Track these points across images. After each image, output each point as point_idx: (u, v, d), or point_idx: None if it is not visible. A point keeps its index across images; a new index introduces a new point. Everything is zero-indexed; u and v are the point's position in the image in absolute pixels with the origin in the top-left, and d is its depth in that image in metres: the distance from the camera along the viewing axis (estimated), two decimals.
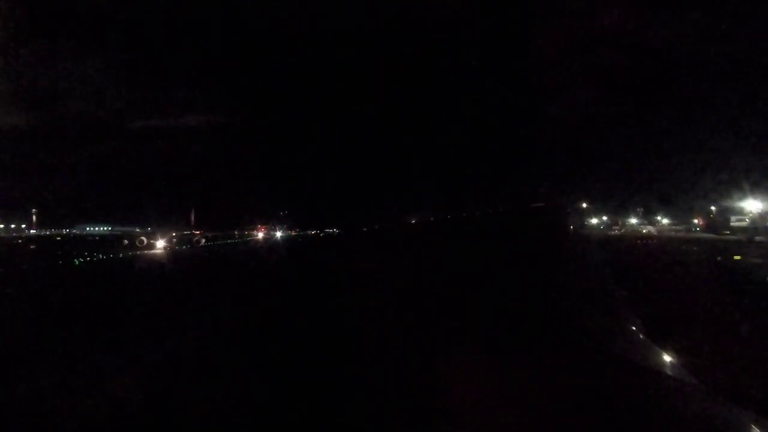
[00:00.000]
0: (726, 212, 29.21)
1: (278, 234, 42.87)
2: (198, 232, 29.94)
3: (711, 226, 29.04)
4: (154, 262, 18.30)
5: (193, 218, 27.99)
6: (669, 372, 4.69)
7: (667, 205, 37.26)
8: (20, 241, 27.59)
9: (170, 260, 19.50)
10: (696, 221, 35.50)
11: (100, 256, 18.31)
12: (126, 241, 25.61)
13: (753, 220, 27.49)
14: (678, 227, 34.50)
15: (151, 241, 25.21)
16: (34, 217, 35.49)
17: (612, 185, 34.97)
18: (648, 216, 39.15)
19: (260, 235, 43.17)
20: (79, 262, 16.21)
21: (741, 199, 27.59)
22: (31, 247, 24.36)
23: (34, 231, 35.62)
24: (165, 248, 24.41)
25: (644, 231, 35.00)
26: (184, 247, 25.92)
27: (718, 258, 17.16)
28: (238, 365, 4.86)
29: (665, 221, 38.85)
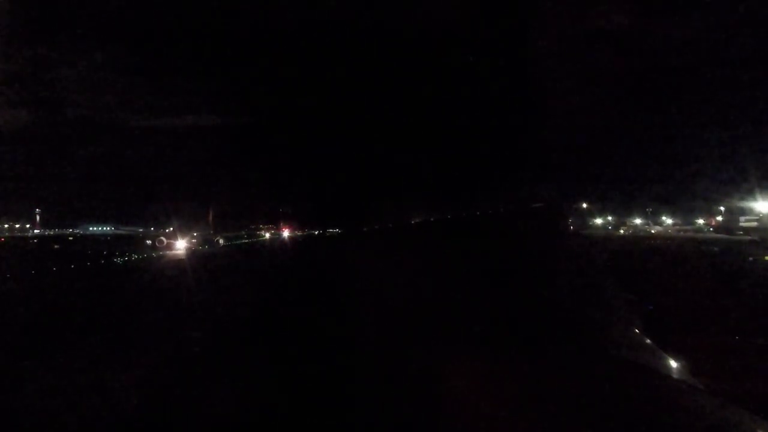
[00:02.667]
0: (735, 213, 30.00)
1: (285, 234, 42.65)
2: (209, 233, 29.57)
3: (723, 226, 29.72)
4: (188, 263, 18.00)
5: (211, 218, 27.64)
6: (670, 374, 4.76)
7: (671, 205, 38.12)
8: (35, 240, 26.84)
9: (201, 261, 19.21)
10: (701, 221, 36.39)
11: (135, 256, 18.02)
12: (149, 242, 25.13)
13: (763, 221, 28.26)
14: (685, 228, 35.22)
15: (171, 242, 24.76)
16: (37, 217, 34.72)
17: (615, 186, 35.53)
18: (652, 216, 39.97)
19: (267, 235, 42.90)
20: (122, 261, 16.00)
21: (750, 199, 28.35)
22: (55, 246, 23.72)
23: (38, 231, 34.84)
24: (187, 249, 23.98)
25: (652, 231, 35.62)
26: (206, 247, 25.56)
27: (750, 258, 17.52)
28: (242, 364, 4.89)
29: (669, 221, 39.69)
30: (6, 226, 32.04)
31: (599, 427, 3.32)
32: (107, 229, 40.12)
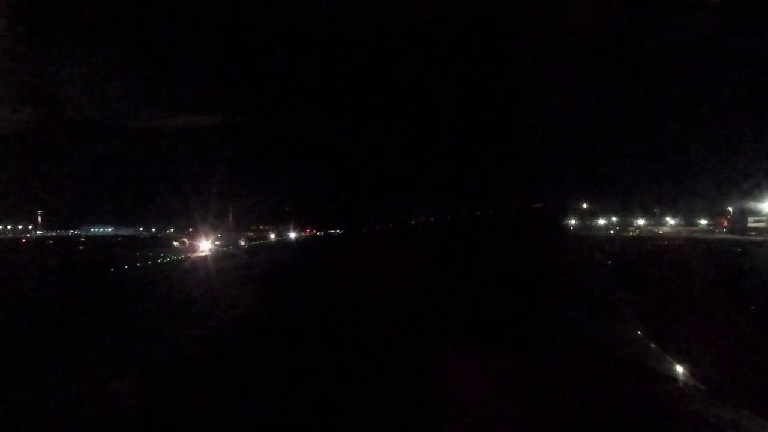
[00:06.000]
0: (743, 213, 30.87)
1: (292, 235, 42.27)
2: (218, 234, 28.92)
3: (733, 227, 30.56)
4: (224, 265, 17.57)
5: (231, 220, 27.03)
6: (671, 375, 4.78)
7: (672, 206, 39.01)
8: (51, 242, 25.77)
9: (232, 262, 18.83)
10: (703, 222, 37.42)
11: (174, 258, 17.62)
12: (176, 243, 24.44)
13: None
14: (691, 228, 36.04)
15: (194, 243, 24.07)
16: (39, 218, 33.50)
17: (616, 186, 36.10)
18: (656, 217, 40.85)
19: (272, 236, 42.40)
20: (165, 261, 15.82)
21: (757, 200, 29.21)
22: (80, 248, 22.86)
23: (40, 232, 33.65)
24: (211, 250, 23.32)
25: (660, 232, 36.33)
26: (229, 248, 24.93)
27: None
28: (244, 363, 4.95)
29: (672, 222, 40.64)
30: (9, 227, 30.79)
31: (601, 428, 3.36)
32: (108, 230, 39.08)
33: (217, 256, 20.87)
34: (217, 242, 24.75)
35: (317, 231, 45.78)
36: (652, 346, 5.55)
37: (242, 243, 27.13)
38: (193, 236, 24.91)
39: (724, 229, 31.57)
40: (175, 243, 24.56)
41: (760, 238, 27.01)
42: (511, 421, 3.42)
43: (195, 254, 22.12)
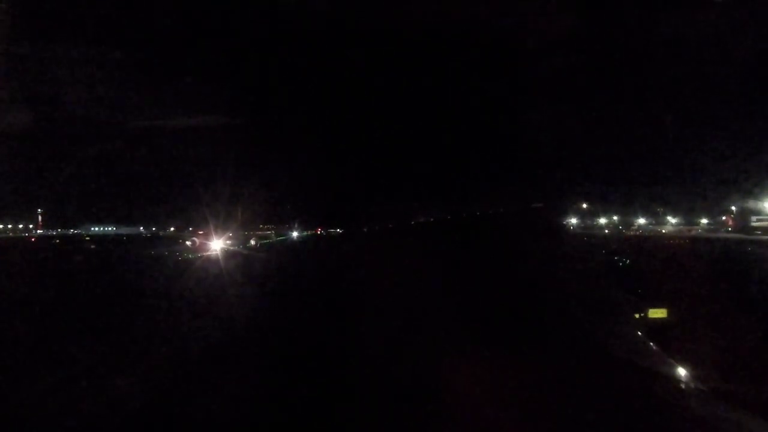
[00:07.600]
0: (746, 212, 31.19)
1: (294, 234, 42.10)
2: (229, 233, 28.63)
3: (739, 226, 30.86)
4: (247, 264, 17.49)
5: (240, 220, 26.71)
6: (674, 376, 4.91)
7: (672, 205, 39.28)
8: (57, 241, 25.31)
9: (253, 262, 18.77)
10: (704, 221, 37.81)
11: (190, 256, 17.63)
12: (188, 243, 24.20)
13: None
14: (692, 227, 36.32)
15: (204, 242, 23.82)
16: (39, 218, 32.91)
17: (615, 186, 36.07)
18: (658, 217, 41.11)
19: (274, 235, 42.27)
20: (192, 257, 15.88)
21: (758, 198, 29.46)
22: (92, 246, 22.55)
23: (41, 231, 33.08)
24: (222, 250, 23.10)
25: (663, 231, 36.61)
26: (240, 247, 24.74)
27: None
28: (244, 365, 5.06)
29: (673, 221, 40.96)
30: (9, 226, 30.22)
31: (601, 428, 3.39)
32: (110, 229, 38.53)
33: (232, 255, 20.74)
34: (228, 241, 24.53)
35: (321, 230, 45.67)
36: (653, 347, 5.60)
37: (253, 242, 26.97)
38: (198, 235, 24.67)
39: (729, 228, 31.90)
40: (187, 242, 24.32)
41: (766, 238, 27.27)
42: (510, 420, 3.42)
43: (207, 253, 21.94)
